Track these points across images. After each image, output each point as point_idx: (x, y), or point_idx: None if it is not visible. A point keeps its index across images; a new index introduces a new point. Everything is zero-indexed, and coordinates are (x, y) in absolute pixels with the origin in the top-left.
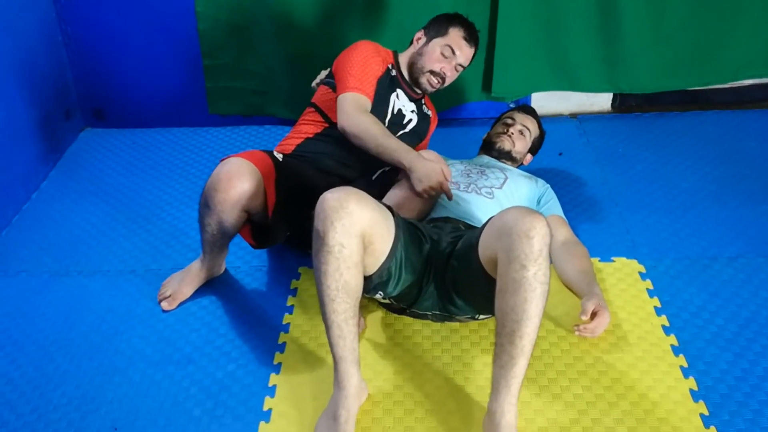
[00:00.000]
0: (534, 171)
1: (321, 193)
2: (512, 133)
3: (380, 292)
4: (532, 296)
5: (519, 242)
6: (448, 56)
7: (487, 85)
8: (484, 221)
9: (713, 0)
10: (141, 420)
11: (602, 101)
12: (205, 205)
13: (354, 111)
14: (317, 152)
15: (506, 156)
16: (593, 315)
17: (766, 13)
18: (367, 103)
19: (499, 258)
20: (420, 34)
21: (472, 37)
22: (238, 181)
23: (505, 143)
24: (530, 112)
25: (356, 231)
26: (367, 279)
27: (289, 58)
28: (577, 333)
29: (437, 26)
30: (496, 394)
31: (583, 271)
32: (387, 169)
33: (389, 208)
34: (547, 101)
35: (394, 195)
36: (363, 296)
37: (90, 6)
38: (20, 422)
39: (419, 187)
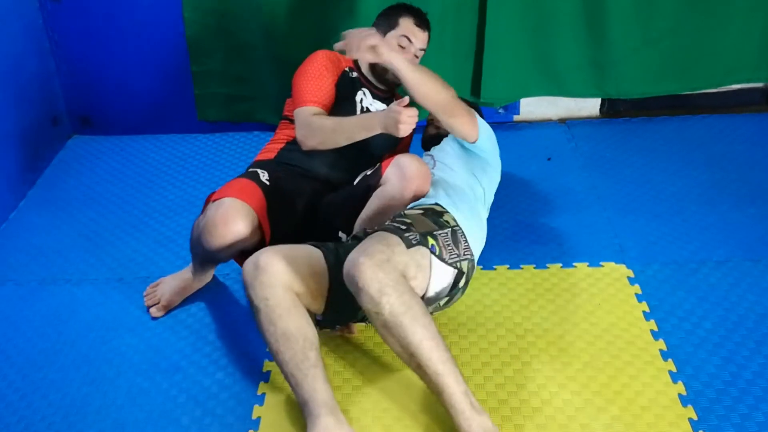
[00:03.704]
0: (523, 177)
1: (309, 202)
2: (432, 119)
3: (338, 325)
4: (403, 330)
5: (359, 298)
6: (405, 46)
7: (475, 90)
8: (430, 203)
9: (700, 5)
10: (129, 429)
11: (590, 106)
12: (198, 243)
13: (304, 123)
14: (301, 153)
15: (437, 139)
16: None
17: (754, 18)
18: (319, 111)
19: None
20: None
21: (422, 21)
22: (234, 226)
23: (429, 130)
24: None
25: (276, 281)
26: (324, 314)
27: (278, 64)
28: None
29: (387, 20)
30: (451, 418)
31: None
32: (369, 172)
33: (324, 243)
34: (535, 106)
35: (377, 203)
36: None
37: (77, 13)
38: None
39: (404, 133)
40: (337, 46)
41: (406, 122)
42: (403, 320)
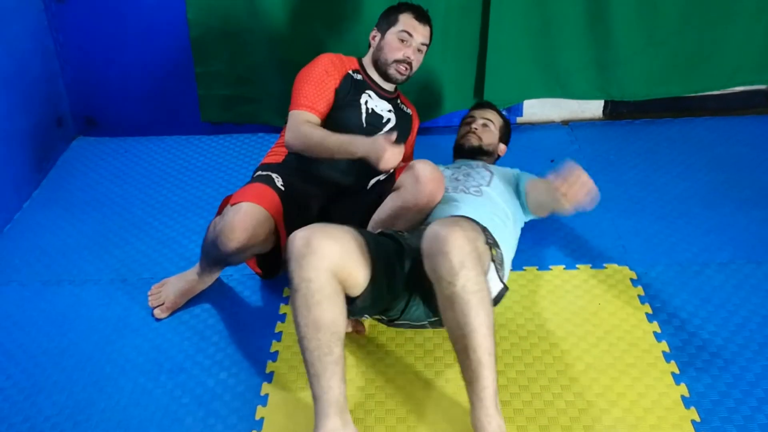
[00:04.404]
0: None
1: (321, 206)
2: (476, 129)
3: (366, 315)
4: (468, 308)
5: (438, 261)
6: (406, 40)
7: (479, 92)
8: (473, 217)
9: (703, 7)
10: (132, 429)
11: (594, 108)
12: (213, 245)
13: (295, 127)
14: (308, 158)
15: (479, 152)
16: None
17: (757, 20)
18: (313, 118)
19: (430, 278)
20: (374, 32)
21: (422, 16)
22: (252, 231)
23: (472, 140)
24: (487, 105)
25: (324, 266)
26: (352, 301)
27: (282, 66)
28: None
29: (387, 19)
30: (473, 409)
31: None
32: (382, 178)
33: (365, 232)
34: (538, 108)
35: (391, 206)
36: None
37: (81, 14)
38: None
39: (384, 167)
40: (556, 184)
41: (389, 159)
42: (471, 298)
